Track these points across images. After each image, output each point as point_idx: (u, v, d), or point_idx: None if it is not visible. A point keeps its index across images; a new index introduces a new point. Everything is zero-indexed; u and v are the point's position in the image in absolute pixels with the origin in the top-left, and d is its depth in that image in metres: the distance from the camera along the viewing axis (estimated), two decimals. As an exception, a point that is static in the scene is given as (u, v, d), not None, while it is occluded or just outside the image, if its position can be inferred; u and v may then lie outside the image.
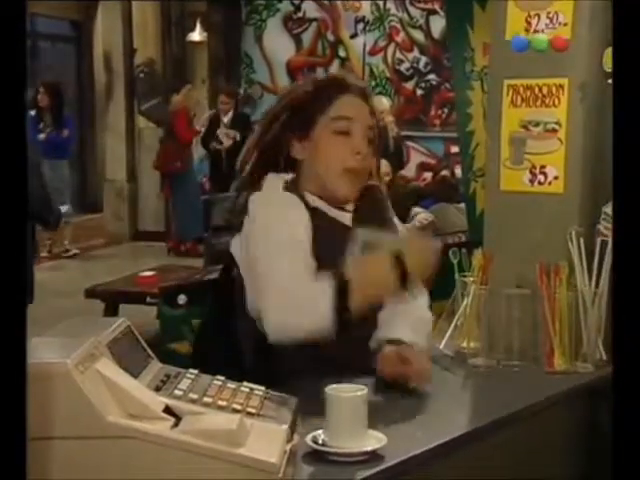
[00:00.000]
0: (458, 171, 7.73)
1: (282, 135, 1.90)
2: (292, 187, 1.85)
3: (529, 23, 2.08)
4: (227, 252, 1.88)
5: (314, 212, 1.84)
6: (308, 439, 1.39)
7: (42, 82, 8.21)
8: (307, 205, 1.84)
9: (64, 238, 8.59)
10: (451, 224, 5.20)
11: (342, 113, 1.87)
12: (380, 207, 1.97)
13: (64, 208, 4.60)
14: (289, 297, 1.67)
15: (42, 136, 8.05)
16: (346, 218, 1.89)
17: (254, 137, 1.95)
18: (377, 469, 1.36)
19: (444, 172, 8.30)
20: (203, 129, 8.59)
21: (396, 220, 2.01)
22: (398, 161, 7.42)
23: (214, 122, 8.57)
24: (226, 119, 8.53)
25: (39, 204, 3.89)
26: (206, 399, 1.29)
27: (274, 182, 1.86)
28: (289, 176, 1.88)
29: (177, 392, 1.29)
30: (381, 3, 9.57)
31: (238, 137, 8.33)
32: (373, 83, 9.59)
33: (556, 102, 2.05)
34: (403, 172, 7.38)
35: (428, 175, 9.35)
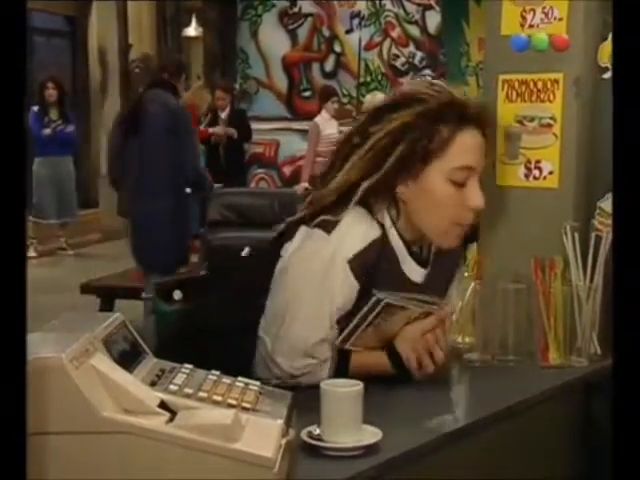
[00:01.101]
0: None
1: (384, 169, 1.65)
2: (370, 249, 1.65)
3: (524, 18, 2.08)
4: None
5: (390, 261, 1.69)
6: (303, 433, 1.39)
7: (50, 77, 8.24)
8: (384, 256, 1.67)
9: (60, 237, 8.56)
10: None
11: (462, 162, 1.64)
12: (453, 268, 1.88)
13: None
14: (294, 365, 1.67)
15: (48, 131, 8.01)
16: (417, 274, 1.74)
17: (350, 166, 1.67)
18: (372, 464, 1.36)
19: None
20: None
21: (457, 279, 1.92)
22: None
23: (212, 118, 8.54)
24: (223, 115, 8.52)
25: (196, 174, 4.69)
26: (201, 394, 1.29)
27: (348, 237, 1.64)
28: (373, 229, 1.67)
29: (172, 387, 1.29)
30: (377, -2, 9.58)
31: (235, 135, 8.32)
32: (368, 78, 9.60)
33: (551, 97, 2.05)
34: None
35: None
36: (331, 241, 1.65)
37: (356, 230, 1.66)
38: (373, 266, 1.67)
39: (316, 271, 1.65)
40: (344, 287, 1.66)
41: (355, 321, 1.71)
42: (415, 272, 1.75)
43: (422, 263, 1.76)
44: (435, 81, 1.76)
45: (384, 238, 1.69)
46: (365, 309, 1.70)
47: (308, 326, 1.67)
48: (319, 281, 1.65)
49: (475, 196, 1.66)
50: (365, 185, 1.66)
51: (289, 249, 1.71)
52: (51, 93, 8.13)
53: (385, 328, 1.73)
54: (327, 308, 1.67)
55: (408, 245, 1.73)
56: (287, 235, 1.73)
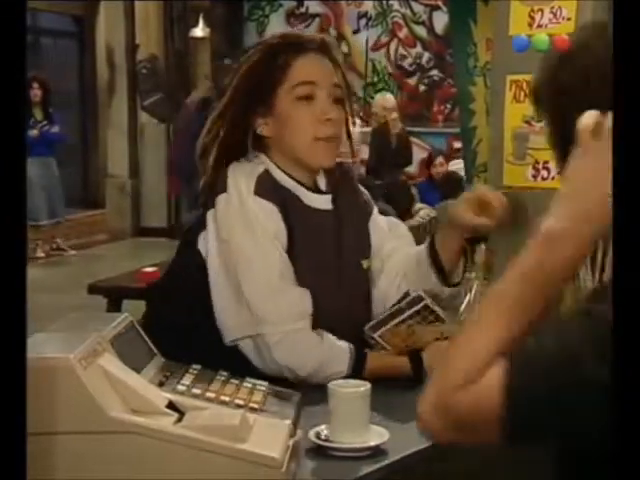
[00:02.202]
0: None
1: (244, 117, 1.74)
2: (264, 178, 1.70)
3: (532, 18, 2.07)
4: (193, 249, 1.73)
5: (291, 199, 1.73)
6: (311, 434, 1.39)
7: (35, 77, 8.01)
8: (282, 192, 1.72)
9: (57, 237, 8.52)
10: None
11: (302, 78, 1.73)
12: (355, 189, 1.90)
13: None
14: (294, 340, 1.64)
15: (34, 132, 7.85)
16: (323, 201, 1.79)
17: (210, 125, 1.76)
18: (380, 464, 1.36)
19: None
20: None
21: (373, 205, 1.95)
22: (404, 158, 7.41)
23: None
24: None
25: None
26: (209, 394, 1.29)
27: (240, 180, 1.69)
28: (256, 166, 1.72)
29: (180, 387, 1.29)
30: (384, -1, 9.57)
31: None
32: (375, 79, 9.59)
33: (559, 97, 2.04)
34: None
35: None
36: (231, 194, 1.69)
37: (242, 172, 1.71)
38: (280, 198, 1.70)
39: (237, 224, 1.67)
40: (267, 215, 1.68)
41: (391, 310, 1.71)
42: (319, 200, 1.79)
43: (321, 192, 1.80)
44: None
45: (273, 179, 1.73)
46: (404, 303, 1.70)
47: (263, 272, 1.65)
48: (245, 231, 1.66)
49: (325, 108, 1.73)
50: (219, 134, 1.74)
51: (209, 239, 1.70)
52: (36, 93, 7.96)
53: (416, 334, 1.72)
54: (269, 246, 1.66)
55: (299, 182, 1.76)
56: (200, 226, 1.73)
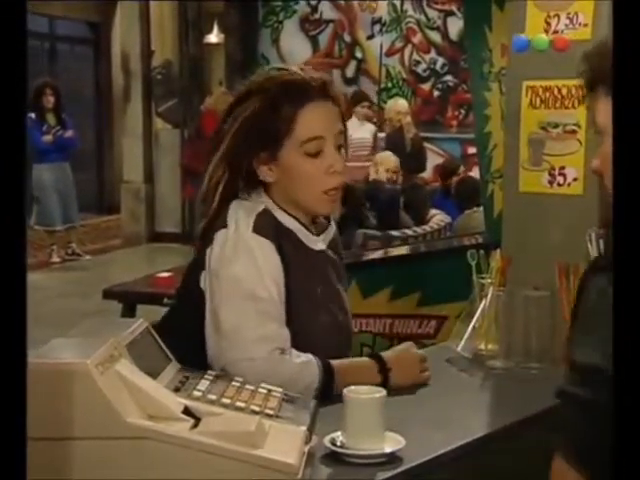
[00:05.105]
0: (475, 173, 7.69)
1: (245, 161, 1.73)
2: (264, 216, 1.71)
3: (549, 24, 2.07)
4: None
5: (290, 238, 1.74)
6: (326, 440, 1.38)
7: (47, 83, 8.10)
8: (282, 231, 1.73)
9: (72, 242, 8.55)
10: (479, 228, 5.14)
11: (310, 134, 1.70)
12: (338, 241, 1.91)
13: None
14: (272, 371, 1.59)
15: (49, 137, 7.90)
16: (319, 242, 1.80)
17: (211, 171, 1.75)
18: (395, 471, 1.36)
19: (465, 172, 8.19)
20: None
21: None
22: (418, 163, 7.40)
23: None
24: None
25: None
26: (225, 400, 1.29)
27: (240, 217, 1.70)
28: (257, 204, 1.73)
29: (196, 393, 1.29)
30: (398, 4, 9.56)
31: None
32: (390, 84, 9.59)
33: (575, 103, 2.04)
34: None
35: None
36: (229, 229, 1.69)
37: (242, 209, 1.71)
38: (276, 235, 1.70)
39: (230, 256, 1.67)
40: (264, 252, 1.68)
41: None
42: (316, 241, 1.79)
43: (316, 233, 1.81)
44: (282, 66, 1.84)
45: (273, 218, 1.73)
46: None
47: (243, 304, 1.65)
48: (236, 262, 1.66)
49: (333, 161, 1.72)
50: (223, 173, 1.73)
51: (207, 278, 1.70)
52: (49, 99, 8.02)
53: None
54: (257, 280, 1.65)
55: (298, 221, 1.77)
56: (202, 264, 1.73)
